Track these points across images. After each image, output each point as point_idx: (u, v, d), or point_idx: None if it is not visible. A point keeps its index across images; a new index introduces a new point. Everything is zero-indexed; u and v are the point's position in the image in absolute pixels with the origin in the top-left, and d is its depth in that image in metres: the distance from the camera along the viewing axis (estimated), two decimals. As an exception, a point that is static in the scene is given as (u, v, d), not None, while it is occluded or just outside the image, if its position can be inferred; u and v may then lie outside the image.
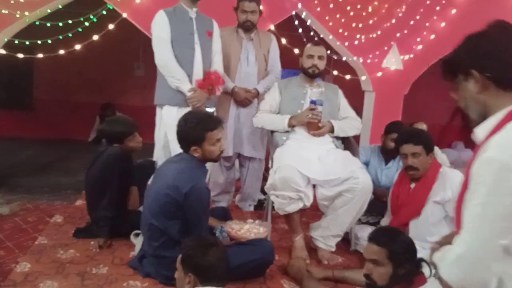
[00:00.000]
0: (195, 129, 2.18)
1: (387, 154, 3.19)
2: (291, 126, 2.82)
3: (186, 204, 2.10)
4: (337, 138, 2.89)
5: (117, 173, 2.60)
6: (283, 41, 4.13)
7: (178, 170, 2.18)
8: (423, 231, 2.38)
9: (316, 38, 3.83)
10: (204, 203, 2.17)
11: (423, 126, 3.63)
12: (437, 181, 2.39)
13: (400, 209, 2.52)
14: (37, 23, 4.00)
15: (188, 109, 2.81)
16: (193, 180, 2.13)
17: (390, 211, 2.68)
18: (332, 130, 2.80)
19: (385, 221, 2.69)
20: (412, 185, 2.49)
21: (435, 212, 2.40)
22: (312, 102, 2.73)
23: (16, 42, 3.96)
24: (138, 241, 2.46)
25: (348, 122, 2.90)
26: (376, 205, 2.89)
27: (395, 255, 1.73)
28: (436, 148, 3.72)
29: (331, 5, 4.34)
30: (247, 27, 3.22)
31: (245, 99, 3.24)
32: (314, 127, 2.76)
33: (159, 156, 2.99)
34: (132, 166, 2.82)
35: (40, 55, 4.00)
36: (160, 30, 2.78)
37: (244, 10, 3.17)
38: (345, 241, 2.84)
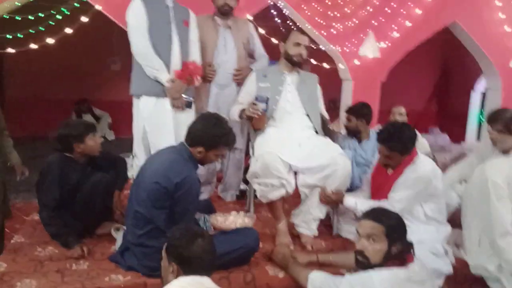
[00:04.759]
0: (218, 138, 2.19)
1: (349, 134, 3.29)
2: (241, 117, 2.87)
3: (176, 194, 2.08)
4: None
5: (50, 182, 2.40)
6: (261, 31, 4.10)
7: (170, 160, 2.16)
8: None
9: (293, 28, 3.82)
10: (194, 195, 2.16)
11: (401, 110, 3.68)
12: (408, 167, 2.43)
13: (376, 193, 2.58)
14: (6, 16, 3.86)
15: (166, 99, 2.76)
16: (185, 171, 2.11)
17: (366, 188, 2.75)
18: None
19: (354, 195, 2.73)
20: (390, 171, 2.53)
21: None
22: (255, 98, 2.77)
23: (-16, 37, 3.83)
24: (119, 235, 2.42)
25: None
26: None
27: (391, 232, 1.77)
28: (417, 134, 3.78)
29: (308, -6, 4.35)
30: (225, 12, 3.13)
31: (211, 73, 3.10)
32: (255, 123, 2.79)
33: (138, 149, 2.93)
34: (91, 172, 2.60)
35: (11, 50, 3.86)
36: (136, 18, 2.70)
37: None
38: (327, 226, 2.86)
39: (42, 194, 2.44)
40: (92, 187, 2.49)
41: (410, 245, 1.82)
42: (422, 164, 2.43)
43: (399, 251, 1.78)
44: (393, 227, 1.79)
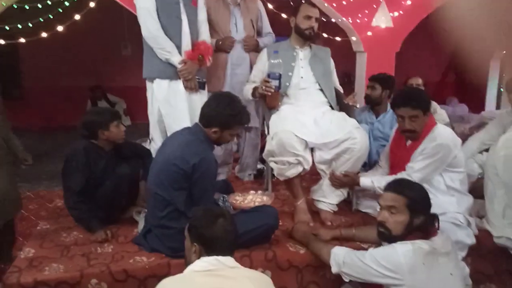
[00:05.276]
0: (232, 117, 2.18)
1: (369, 103, 3.23)
2: (254, 96, 2.84)
3: (194, 175, 2.09)
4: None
5: (76, 167, 2.41)
6: (270, 6, 4.02)
7: (186, 142, 2.17)
8: None
9: (303, 1, 3.73)
10: (212, 176, 2.18)
11: (418, 81, 3.60)
12: (427, 136, 2.38)
13: (396, 166, 2.53)
14: (15, 6, 3.86)
15: (179, 81, 2.75)
16: (202, 152, 2.12)
17: (383, 163, 2.72)
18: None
19: (372, 173, 2.72)
20: (408, 142, 2.48)
21: None
22: (267, 75, 2.72)
23: (-4, 28, 3.85)
24: (141, 218, 2.46)
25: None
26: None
27: (413, 204, 1.76)
28: (435, 104, 3.72)
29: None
30: None
31: (230, 44, 3.12)
32: (269, 100, 2.76)
33: (154, 133, 2.95)
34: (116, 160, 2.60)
35: (22, 40, 3.88)
36: (144, 0, 2.67)
37: None
38: (347, 202, 2.85)
39: (67, 179, 2.46)
40: (118, 180, 2.50)
41: (434, 218, 1.80)
42: (441, 133, 2.37)
43: (422, 224, 1.76)
44: (415, 199, 1.77)
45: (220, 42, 3.12)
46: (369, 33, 4.57)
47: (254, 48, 3.20)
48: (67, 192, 2.47)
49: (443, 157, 2.33)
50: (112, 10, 4.65)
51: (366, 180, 2.53)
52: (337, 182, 2.60)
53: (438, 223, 1.81)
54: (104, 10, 4.15)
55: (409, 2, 4.51)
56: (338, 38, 4.66)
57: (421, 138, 2.39)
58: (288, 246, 2.32)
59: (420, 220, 1.77)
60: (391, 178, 2.34)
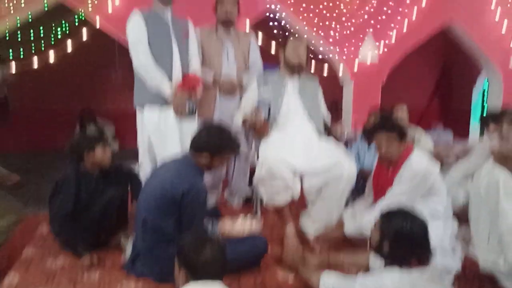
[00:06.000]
0: (224, 144, 2.21)
1: (368, 134, 3.30)
2: (244, 126, 2.89)
3: (184, 202, 2.10)
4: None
5: (66, 194, 2.44)
6: (260, 37, 4.14)
7: (176, 169, 2.19)
8: None
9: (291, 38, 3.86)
10: (201, 202, 2.18)
11: (403, 108, 3.67)
12: (404, 162, 2.44)
13: (379, 193, 2.57)
14: (7, 37, 3.89)
15: (170, 107, 2.78)
16: (192, 178, 2.14)
17: (369, 192, 2.75)
18: None
19: (360, 203, 2.75)
20: (390, 169, 2.53)
21: None
22: (257, 104, 2.80)
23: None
24: (129, 244, 2.44)
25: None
26: (365, 186, 2.92)
27: (383, 229, 1.83)
28: (420, 131, 3.79)
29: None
30: (227, 20, 3.12)
31: (231, 88, 3.18)
32: (258, 131, 2.81)
33: (143, 161, 2.94)
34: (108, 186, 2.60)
35: (13, 71, 3.86)
36: (136, 32, 2.70)
37: (224, 2, 3.08)
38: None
39: (56, 206, 2.46)
40: (107, 203, 2.50)
41: (417, 254, 1.80)
42: (417, 160, 2.43)
43: (391, 253, 1.79)
44: (384, 226, 1.82)
45: (221, 82, 3.15)
46: (356, 64, 4.70)
47: (233, 91, 3.21)
48: (54, 218, 2.46)
49: (419, 184, 2.38)
50: (102, 35, 4.71)
51: (349, 227, 2.52)
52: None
53: (426, 261, 1.83)
54: (94, 35, 4.20)
55: (396, 34, 4.68)
56: (325, 70, 4.79)
57: (399, 165, 2.45)
58: (277, 273, 2.32)
59: (387, 248, 1.79)
60: (376, 212, 2.35)
